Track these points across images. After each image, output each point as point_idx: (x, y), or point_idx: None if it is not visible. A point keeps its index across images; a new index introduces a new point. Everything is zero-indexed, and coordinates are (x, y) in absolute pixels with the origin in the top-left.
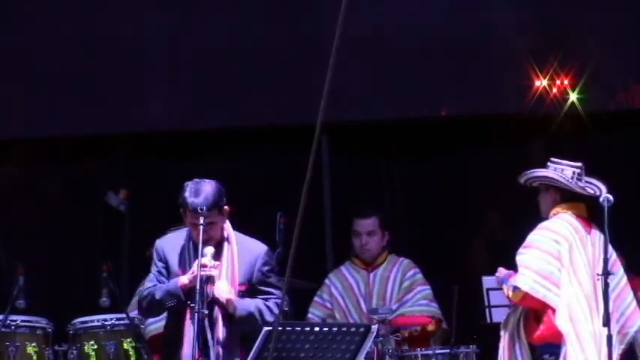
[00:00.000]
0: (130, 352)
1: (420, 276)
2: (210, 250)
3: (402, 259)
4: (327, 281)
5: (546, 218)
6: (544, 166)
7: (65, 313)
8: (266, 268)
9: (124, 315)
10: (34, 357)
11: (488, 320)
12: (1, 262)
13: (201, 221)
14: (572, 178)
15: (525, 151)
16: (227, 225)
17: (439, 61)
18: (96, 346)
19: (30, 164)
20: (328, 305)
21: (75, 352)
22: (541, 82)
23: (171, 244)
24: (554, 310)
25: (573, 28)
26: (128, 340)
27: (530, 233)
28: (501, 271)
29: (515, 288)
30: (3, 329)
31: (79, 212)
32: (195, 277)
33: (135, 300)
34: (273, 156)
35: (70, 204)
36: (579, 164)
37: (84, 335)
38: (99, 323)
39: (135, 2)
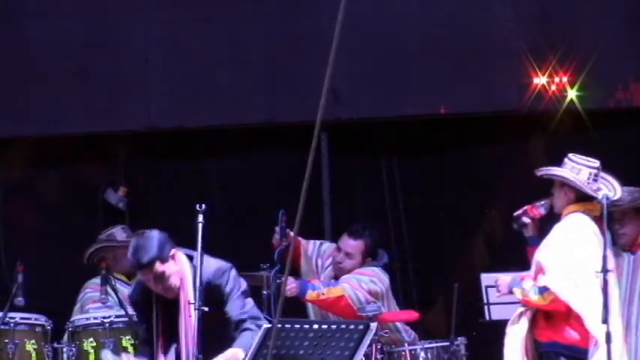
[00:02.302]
0: (129, 350)
1: (365, 277)
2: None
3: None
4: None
5: (560, 214)
6: (545, 163)
7: (64, 311)
8: (226, 289)
9: (123, 312)
10: (33, 354)
11: (487, 317)
12: (0, 260)
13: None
14: (588, 179)
15: (524, 149)
16: (181, 261)
17: (438, 59)
18: (95, 344)
19: (30, 163)
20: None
21: (74, 349)
22: (540, 80)
23: (141, 293)
24: (570, 311)
25: (572, 26)
26: (127, 337)
27: (550, 233)
28: (503, 280)
29: (544, 290)
30: (2, 326)
31: (78, 210)
32: None
33: (78, 306)
34: (272, 155)
35: (70, 202)
36: (597, 165)
37: (83, 333)
38: (98, 321)
39: (135, 1)
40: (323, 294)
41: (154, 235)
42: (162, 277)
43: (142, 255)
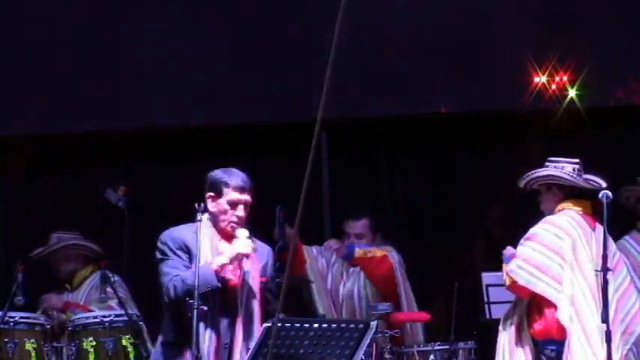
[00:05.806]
0: (129, 349)
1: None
2: (244, 232)
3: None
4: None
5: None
6: (543, 163)
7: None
8: (274, 267)
9: (122, 311)
10: (33, 353)
11: (488, 316)
12: (0, 259)
13: (245, 198)
14: (574, 173)
15: (524, 148)
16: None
17: (439, 58)
18: (94, 343)
19: (30, 163)
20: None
21: (73, 348)
22: (540, 79)
23: (190, 234)
24: (554, 305)
25: (572, 24)
26: (127, 336)
27: (533, 226)
28: (509, 249)
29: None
30: (2, 326)
31: (78, 210)
32: (232, 258)
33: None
34: (272, 154)
35: (70, 202)
36: (577, 160)
37: (83, 332)
38: (97, 320)
39: (135, 1)
40: (370, 251)
41: None
42: (248, 206)
43: (247, 178)
